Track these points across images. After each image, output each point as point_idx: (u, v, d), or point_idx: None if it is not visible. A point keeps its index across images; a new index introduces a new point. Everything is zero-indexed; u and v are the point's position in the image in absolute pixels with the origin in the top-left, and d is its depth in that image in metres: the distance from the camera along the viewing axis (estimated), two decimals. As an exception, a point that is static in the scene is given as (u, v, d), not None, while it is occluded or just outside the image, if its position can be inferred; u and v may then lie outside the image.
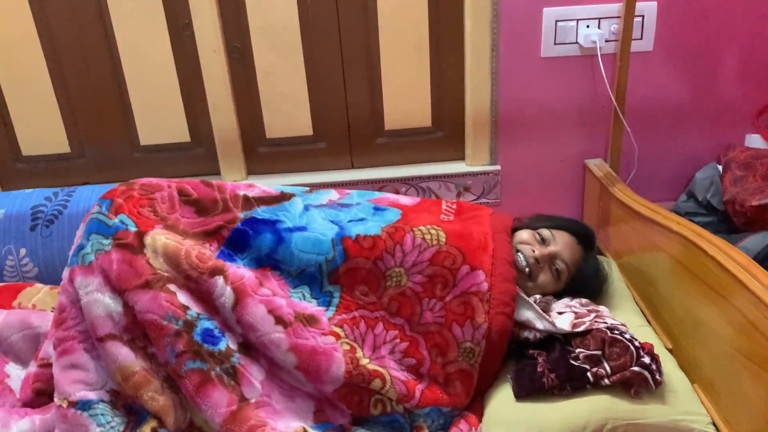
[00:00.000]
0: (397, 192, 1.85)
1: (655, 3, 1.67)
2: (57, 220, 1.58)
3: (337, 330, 1.18)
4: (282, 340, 1.12)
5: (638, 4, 1.63)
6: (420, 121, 1.85)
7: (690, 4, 1.68)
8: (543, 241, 1.37)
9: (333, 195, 1.44)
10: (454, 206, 1.45)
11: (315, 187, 1.78)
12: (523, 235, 1.38)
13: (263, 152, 1.86)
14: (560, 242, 1.36)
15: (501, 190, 1.87)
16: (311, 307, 1.21)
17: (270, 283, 1.21)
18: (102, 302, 1.13)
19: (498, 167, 1.84)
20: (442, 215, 1.38)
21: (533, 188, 1.88)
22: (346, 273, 1.23)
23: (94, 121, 1.80)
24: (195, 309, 1.14)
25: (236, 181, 1.84)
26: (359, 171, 1.88)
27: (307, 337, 1.14)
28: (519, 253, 1.33)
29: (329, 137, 1.85)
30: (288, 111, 1.81)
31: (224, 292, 1.15)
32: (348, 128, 1.84)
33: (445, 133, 1.87)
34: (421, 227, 1.27)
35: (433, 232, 1.26)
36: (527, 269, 1.32)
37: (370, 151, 1.88)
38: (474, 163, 1.85)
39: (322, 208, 1.38)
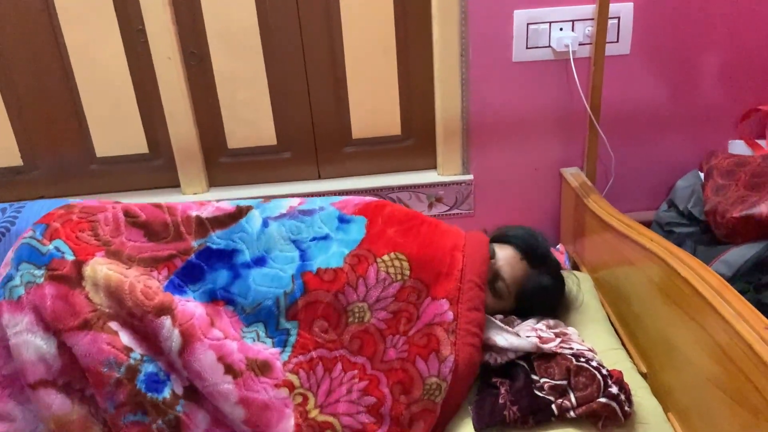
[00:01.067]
0: (365, 203, 1.77)
1: (632, 4, 1.59)
2: (4, 239, 1.48)
3: (292, 378, 1.09)
4: (231, 392, 1.03)
5: (613, 5, 1.55)
6: (389, 128, 1.77)
7: (668, 5, 1.60)
8: None
9: (293, 201, 1.35)
10: None
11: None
12: None
13: (225, 163, 1.78)
14: (500, 258, 1.27)
15: (474, 200, 1.79)
16: (265, 350, 1.11)
17: (222, 321, 1.12)
18: (33, 344, 1.03)
19: (471, 176, 1.76)
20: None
21: (508, 198, 1.80)
22: (305, 307, 1.14)
23: (46, 133, 1.72)
24: (139, 350, 1.05)
25: (197, 193, 1.76)
26: (326, 181, 1.80)
27: (258, 390, 1.05)
28: None
29: (294, 146, 1.77)
30: (250, 119, 1.73)
31: (171, 335, 1.05)
32: (314, 137, 1.76)
33: (415, 141, 1.79)
34: (385, 257, 1.18)
35: (397, 263, 1.17)
36: None
37: (337, 160, 1.80)
38: (446, 172, 1.77)
39: (282, 219, 1.29)
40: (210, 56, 1.65)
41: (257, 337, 1.13)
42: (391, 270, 1.17)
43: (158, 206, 1.26)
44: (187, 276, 1.16)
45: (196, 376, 1.04)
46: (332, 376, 1.10)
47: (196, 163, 1.74)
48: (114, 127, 1.72)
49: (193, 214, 1.25)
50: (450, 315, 1.13)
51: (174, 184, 1.78)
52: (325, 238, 1.25)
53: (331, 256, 1.20)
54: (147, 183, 1.80)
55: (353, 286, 1.15)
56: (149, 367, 1.05)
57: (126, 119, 1.71)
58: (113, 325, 1.05)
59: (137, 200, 1.72)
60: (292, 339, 1.13)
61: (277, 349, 1.12)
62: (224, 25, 1.62)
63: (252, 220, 1.28)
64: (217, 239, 1.22)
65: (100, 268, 1.08)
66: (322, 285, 1.16)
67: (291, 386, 1.08)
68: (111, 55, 1.63)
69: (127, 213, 1.22)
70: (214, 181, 1.80)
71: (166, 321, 1.05)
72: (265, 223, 1.27)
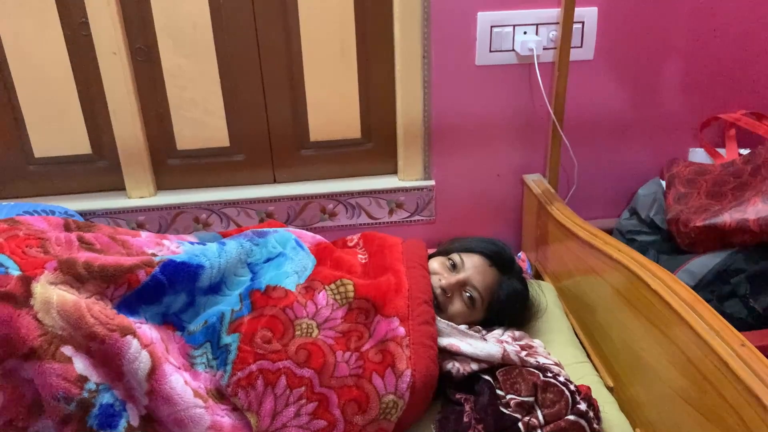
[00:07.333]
0: (323, 210, 1.71)
1: (596, 9, 1.57)
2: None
3: (235, 401, 1.01)
4: (203, 416, 0.96)
5: (578, 10, 1.52)
6: (348, 131, 1.70)
7: (633, 11, 1.58)
8: (453, 267, 1.25)
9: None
10: (361, 241, 1.35)
11: (233, 203, 1.67)
12: (434, 264, 1.27)
13: (174, 165, 1.69)
14: (469, 267, 1.24)
15: (436, 206, 1.74)
16: (211, 376, 1.04)
17: (173, 348, 1.04)
18: None
19: (432, 182, 1.71)
20: (359, 256, 1.27)
21: (470, 204, 1.75)
22: (250, 321, 1.07)
23: (-21, 131, 1.60)
24: (94, 378, 0.94)
25: (143, 197, 1.66)
26: (282, 186, 1.73)
27: (222, 415, 0.99)
28: None
29: (248, 149, 1.69)
30: (201, 119, 1.64)
31: (139, 355, 0.95)
32: (269, 139, 1.68)
33: (375, 145, 1.73)
34: (332, 285, 1.14)
35: (342, 289, 1.13)
36: (434, 301, 1.19)
37: (294, 164, 1.72)
38: (407, 177, 1.72)
39: (238, 238, 1.22)
40: (158, 52, 1.55)
41: (207, 361, 1.05)
42: (338, 296, 1.13)
43: (113, 238, 1.15)
44: (147, 294, 1.05)
45: (165, 401, 0.95)
46: (276, 393, 1.00)
47: (142, 165, 1.64)
48: (54, 126, 1.61)
49: (149, 252, 1.15)
50: (402, 330, 1.08)
51: (119, 187, 1.68)
52: (279, 255, 1.22)
53: (282, 274, 1.15)
54: (90, 186, 1.69)
55: (302, 305, 1.10)
56: (105, 398, 0.94)
57: (67, 117, 1.60)
58: (66, 350, 0.93)
59: (80, 204, 1.63)
60: (232, 356, 1.03)
61: (220, 372, 1.03)
62: (174, 19, 1.53)
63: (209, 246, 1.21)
64: (180, 254, 1.12)
65: (51, 287, 0.96)
66: (269, 302, 1.10)
67: (238, 410, 1.01)
68: (51, 49, 1.52)
69: (81, 239, 1.11)
70: (161, 185, 1.70)
71: (133, 341, 0.96)
72: (222, 243, 1.20)
